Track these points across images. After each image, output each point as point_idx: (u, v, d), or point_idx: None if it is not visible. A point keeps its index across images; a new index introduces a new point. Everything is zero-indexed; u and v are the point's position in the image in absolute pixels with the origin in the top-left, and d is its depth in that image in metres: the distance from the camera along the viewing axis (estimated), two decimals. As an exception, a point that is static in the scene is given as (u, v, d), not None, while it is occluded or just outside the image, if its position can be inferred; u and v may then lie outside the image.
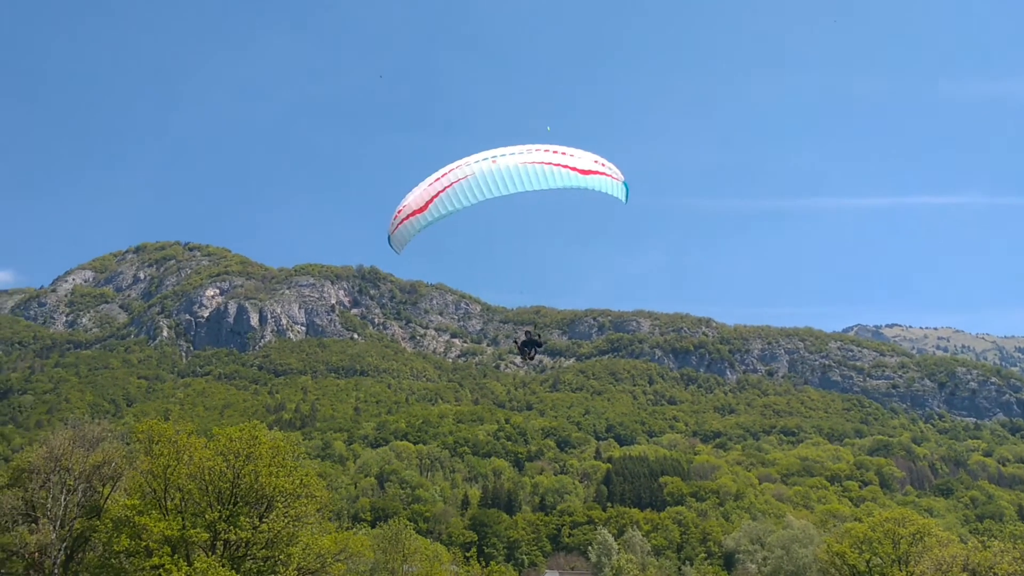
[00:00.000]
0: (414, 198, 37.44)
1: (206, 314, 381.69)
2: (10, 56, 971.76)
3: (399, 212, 37.78)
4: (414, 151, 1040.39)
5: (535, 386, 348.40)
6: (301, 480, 61.86)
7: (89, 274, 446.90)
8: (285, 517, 58.82)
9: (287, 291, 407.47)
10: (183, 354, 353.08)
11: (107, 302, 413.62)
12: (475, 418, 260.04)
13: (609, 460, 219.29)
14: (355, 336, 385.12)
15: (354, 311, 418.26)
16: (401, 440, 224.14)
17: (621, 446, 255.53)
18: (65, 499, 63.04)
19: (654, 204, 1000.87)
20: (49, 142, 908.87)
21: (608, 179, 38.46)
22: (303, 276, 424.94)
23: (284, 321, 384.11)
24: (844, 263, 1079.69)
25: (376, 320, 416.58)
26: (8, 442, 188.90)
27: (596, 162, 38.39)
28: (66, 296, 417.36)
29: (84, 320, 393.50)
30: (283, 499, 60.38)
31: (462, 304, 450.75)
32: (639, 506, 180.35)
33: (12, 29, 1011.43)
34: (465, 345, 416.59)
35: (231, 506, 59.22)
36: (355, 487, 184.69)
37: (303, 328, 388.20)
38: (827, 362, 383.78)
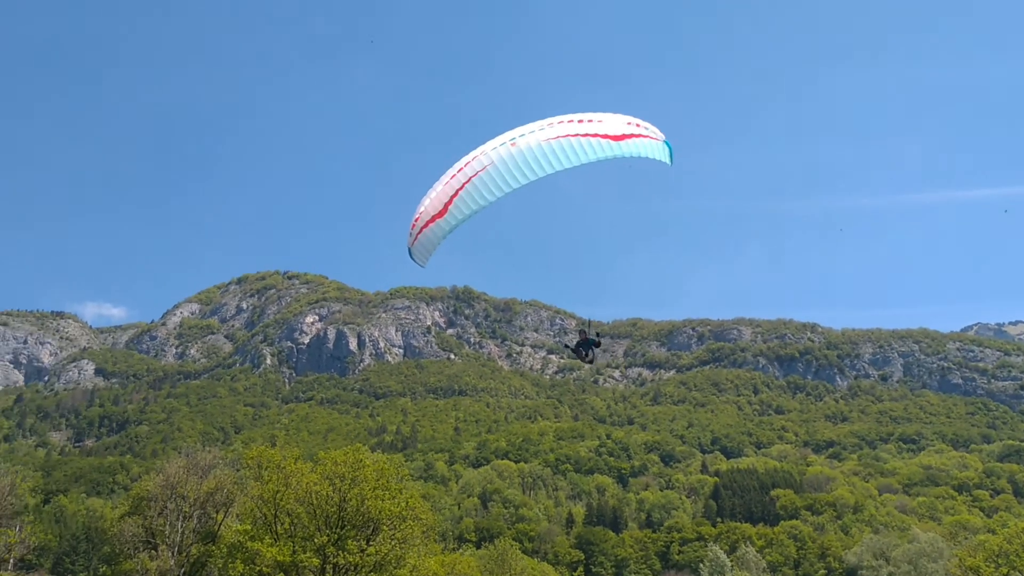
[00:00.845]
0: (431, 201, 33.52)
1: (307, 340, 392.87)
2: (116, 100, 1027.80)
3: (416, 219, 33.72)
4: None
5: (635, 400, 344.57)
6: (406, 502, 62.41)
7: (195, 307, 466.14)
8: (392, 540, 59.34)
9: (384, 314, 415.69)
10: (286, 380, 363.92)
11: (213, 333, 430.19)
12: (576, 434, 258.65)
13: (716, 474, 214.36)
14: (452, 356, 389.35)
15: (450, 331, 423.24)
16: (502, 459, 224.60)
17: (728, 459, 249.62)
18: (182, 526, 65.44)
19: (749, 207, 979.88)
20: (156, 180, 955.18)
21: (646, 140, 33.97)
22: (398, 299, 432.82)
23: (382, 344, 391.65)
24: (957, 259, 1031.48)
25: (472, 339, 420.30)
26: (127, 471, 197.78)
27: (629, 124, 33.85)
28: (175, 329, 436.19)
29: (192, 351, 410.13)
30: (389, 522, 61.00)
31: (557, 320, 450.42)
32: (750, 521, 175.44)
33: (120, 76, 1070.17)
34: (562, 361, 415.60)
35: (339, 530, 60.21)
36: (458, 507, 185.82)
37: (400, 350, 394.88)
38: (946, 364, 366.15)
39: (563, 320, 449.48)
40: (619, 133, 33.48)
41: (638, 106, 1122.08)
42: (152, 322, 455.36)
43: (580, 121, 33.30)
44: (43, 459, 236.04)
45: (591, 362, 42.08)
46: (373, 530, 60.64)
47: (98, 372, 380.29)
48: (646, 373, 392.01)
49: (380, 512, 59.91)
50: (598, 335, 42.22)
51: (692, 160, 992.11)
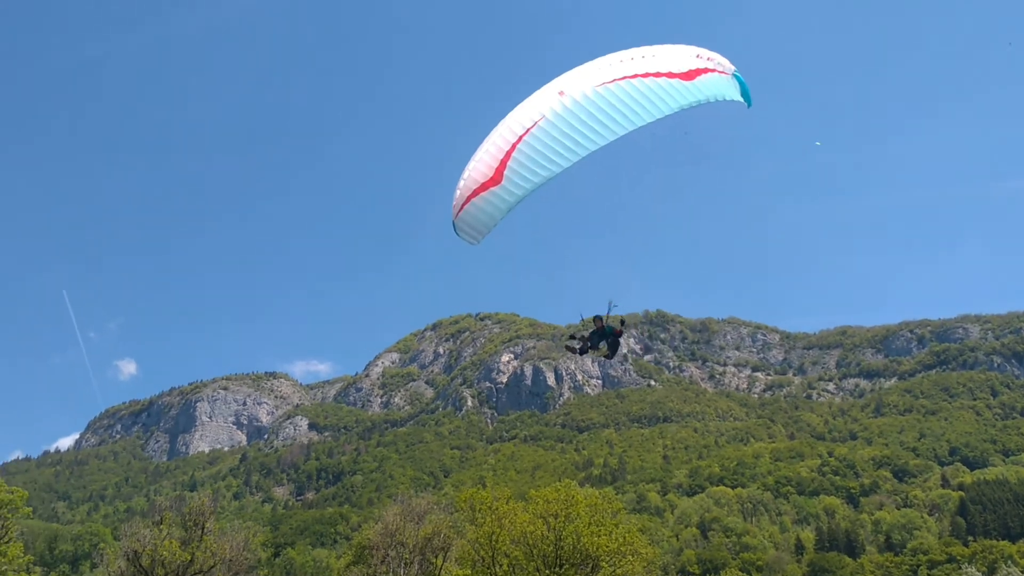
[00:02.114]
0: (476, 163, 27.71)
1: (504, 379, 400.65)
2: (304, 162, 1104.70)
3: (461, 185, 27.94)
4: (688, 183, 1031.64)
5: (855, 412, 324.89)
6: (623, 537, 61.23)
7: (395, 356, 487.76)
8: (613, 576, 58.33)
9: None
10: (488, 421, 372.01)
11: (414, 380, 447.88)
12: (794, 454, 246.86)
13: (960, 487, 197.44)
14: (652, 383, 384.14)
15: (647, 357, 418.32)
16: (717, 485, 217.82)
17: (972, 470, 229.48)
18: (404, 572, 67.34)
19: (965, 191, 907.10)
20: (347, 241, 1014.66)
21: (717, 76, 27.93)
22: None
23: (579, 377, 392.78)
24: None
25: (671, 364, 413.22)
26: (347, 521, 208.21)
27: (698, 57, 27.74)
28: (378, 379, 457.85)
29: (396, 399, 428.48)
30: (608, 558, 60.03)
31: (759, 335, 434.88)
32: (1008, 537, 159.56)
33: (309, 142, 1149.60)
34: (769, 378, 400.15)
35: (557, 569, 59.84)
36: (676, 539, 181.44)
37: (599, 381, 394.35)
38: None
39: (765, 335, 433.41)
40: (686, 69, 27.37)
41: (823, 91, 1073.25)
42: (356, 374, 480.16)
43: (633, 59, 27.19)
44: (270, 514, 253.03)
45: (609, 356, 33.94)
46: (592, 567, 59.90)
47: (311, 427, 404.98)
48: (863, 383, 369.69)
49: (598, 548, 59.15)
50: (623, 322, 32.89)
51: (883, 148, 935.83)
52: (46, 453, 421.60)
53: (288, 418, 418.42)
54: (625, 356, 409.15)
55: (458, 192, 27.93)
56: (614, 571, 59.92)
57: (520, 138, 27.06)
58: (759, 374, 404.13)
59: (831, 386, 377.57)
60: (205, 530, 73.08)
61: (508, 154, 27.18)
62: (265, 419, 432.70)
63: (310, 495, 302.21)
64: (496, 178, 27.33)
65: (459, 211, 28.11)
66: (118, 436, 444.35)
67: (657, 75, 27.03)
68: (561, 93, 27.04)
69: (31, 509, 76.29)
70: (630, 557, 59.85)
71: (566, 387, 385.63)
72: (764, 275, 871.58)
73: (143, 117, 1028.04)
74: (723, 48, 27.78)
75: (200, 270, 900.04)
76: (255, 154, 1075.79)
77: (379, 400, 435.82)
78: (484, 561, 60.45)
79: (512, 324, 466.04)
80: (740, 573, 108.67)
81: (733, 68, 28.33)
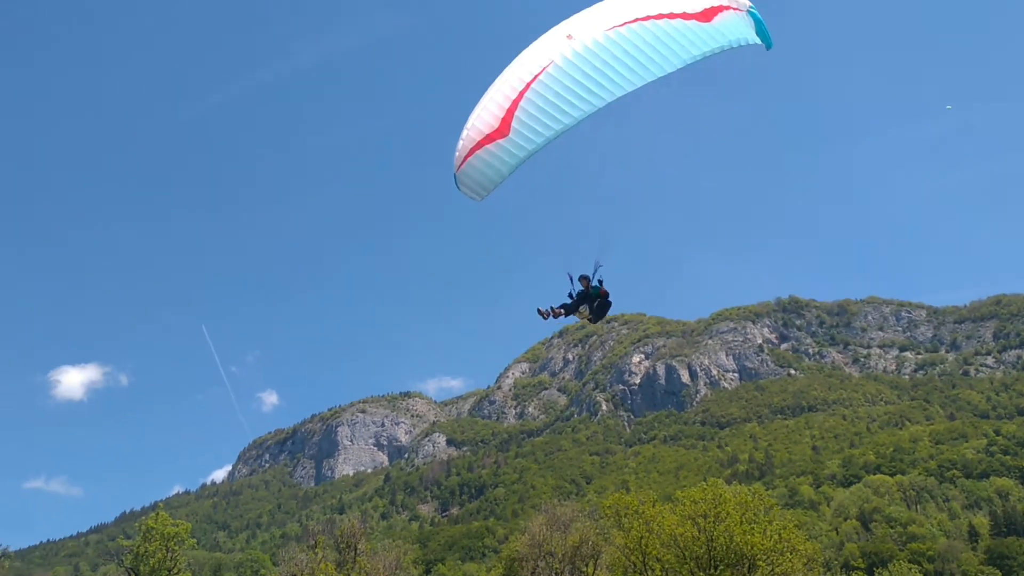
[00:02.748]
0: (479, 112, 25.59)
1: (637, 381, 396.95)
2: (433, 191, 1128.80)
3: (464, 135, 25.91)
4: (820, 170, 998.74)
5: (1020, 386, 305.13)
6: (778, 534, 59.57)
7: (525, 366, 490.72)
8: (772, 575, 56.78)
9: (710, 341, 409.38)
10: (625, 424, 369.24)
11: (546, 388, 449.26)
12: (956, 435, 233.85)
13: None
14: (791, 372, 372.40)
15: (783, 346, 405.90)
16: (873, 473, 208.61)
17: None
18: (555, 582, 67.48)
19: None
20: (468, 256, 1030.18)
21: (734, 15, 25.73)
22: (722, 323, 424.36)
23: (714, 372, 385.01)
24: None
25: (810, 350, 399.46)
26: (493, 534, 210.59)
27: None
28: (510, 391, 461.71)
29: (530, 409, 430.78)
30: (764, 556, 58.51)
31: (903, 313, 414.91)
32: None
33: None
34: (919, 357, 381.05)
35: (711, 571, 58.72)
36: (836, 532, 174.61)
37: (735, 375, 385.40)
38: None
39: (910, 312, 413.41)
40: (703, 8, 25.02)
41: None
42: (488, 387, 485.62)
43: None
44: (417, 531, 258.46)
45: (592, 320, 29.78)
46: (749, 567, 58.55)
47: (449, 443, 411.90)
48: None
49: (752, 547, 57.79)
50: (600, 282, 28.81)
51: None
52: (203, 486, 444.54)
53: (426, 436, 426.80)
54: (760, 346, 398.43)
55: (461, 143, 25.95)
56: (772, 570, 58.42)
57: (528, 85, 24.87)
58: (908, 353, 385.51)
59: (990, 360, 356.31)
60: (358, 551, 75.52)
61: (515, 103, 25.02)
62: (404, 438, 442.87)
63: (455, 510, 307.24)
64: (503, 129, 25.28)
65: (461, 164, 26.10)
66: (267, 465, 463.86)
67: (671, 16, 24.87)
68: (569, 37, 25.07)
69: (195, 540, 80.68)
70: (788, 554, 58.22)
71: (701, 383, 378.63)
72: (902, 250, 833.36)
73: (272, 158, 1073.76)
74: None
75: (328, 300, 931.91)
76: (376, 183, 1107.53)
77: (513, 411, 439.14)
78: (636, 567, 60.01)
79: (639, 324, 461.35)
80: (910, 565, 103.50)
81: (748, 4, 26.12)
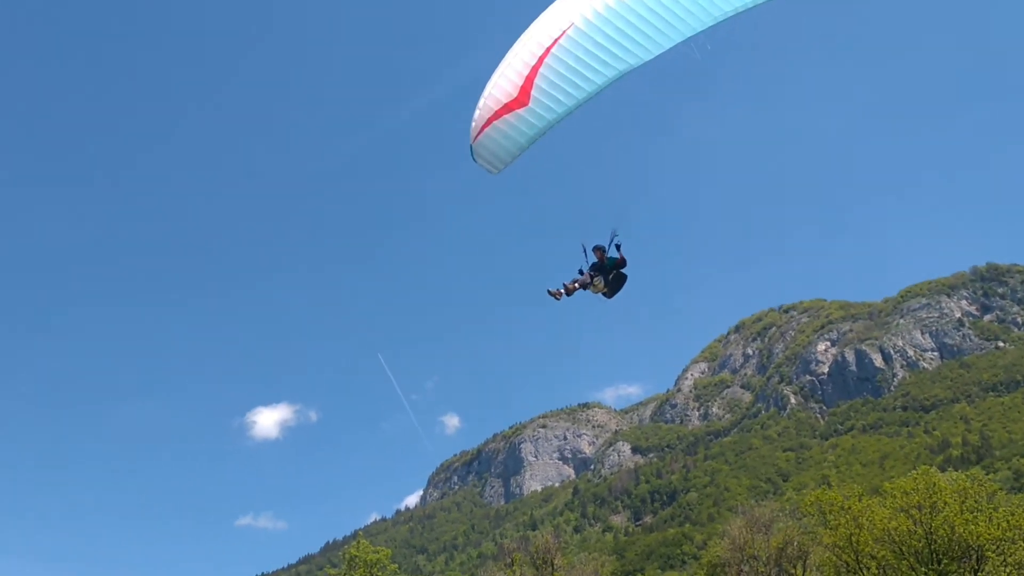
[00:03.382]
0: (496, 79, 24.35)
1: (825, 370, 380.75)
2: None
3: (481, 105, 24.65)
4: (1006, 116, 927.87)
5: None
6: (1007, 521, 55.46)
7: (703, 365, 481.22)
8: (1005, 566, 52.89)
9: (901, 320, 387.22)
10: (818, 416, 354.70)
11: (728, 386, 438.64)
12: None
13: None
14: (1000, 344, 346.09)
15: (987, 317, 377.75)
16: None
17: None
18: (762, 586, 65.47)
19: None
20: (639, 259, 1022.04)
21: None
22: (912, 300, 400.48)
23: (911, 352, 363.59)
24: None
25: (1018, 320, 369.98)
26: (691, 540, 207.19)
27: None
28: (691, 392, 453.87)
29: (714, 409, 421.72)
30: (994, 546, 54.62)
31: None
32: None
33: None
34: None
35: (934, 566, 55.39)
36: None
37: (935, 353, 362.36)
38: None
39: None
40: None
41: None
42: (668, 391, 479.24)
43: None
44: (612, 543, 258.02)
45: (608, 295, 27.77)
46: (977, 559, 54.87)
47: (634, 450, 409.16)
48: None
49: (978, 537, 54.10)
50: (618, 246, 26.90)
51: None
52: (398, 511, 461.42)
53: (610, 445, 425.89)
54: (960, 320, 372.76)
55: (478, 112, 24.69)
56: (1004, 560, 54.42)
57: (547, 50, 23.32)
58: None
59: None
60: (554, 566, 76.36)
61: (535, 69, 23.52)
62: (588, 450, 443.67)
63: (648, 519, 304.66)
64: (521, 98, 23.83)
65: (477, 135, 24.86)
66: (456, 487, 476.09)
67: None
68: None
69: (396, 565, 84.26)
70: (1022, 543, 54.10)
71: (897, 366, 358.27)
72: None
73: (436, 181, 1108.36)
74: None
75: (497, 320, 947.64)
76: (541, 195, 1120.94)
77: (696, 413, 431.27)
78: (849, 566, 57.47)
79: (820, 310, 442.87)
80: None
81: None
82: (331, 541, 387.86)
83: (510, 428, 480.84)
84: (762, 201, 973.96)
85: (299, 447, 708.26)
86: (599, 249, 27.04)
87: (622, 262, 27.17)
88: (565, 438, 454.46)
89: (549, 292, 27.36)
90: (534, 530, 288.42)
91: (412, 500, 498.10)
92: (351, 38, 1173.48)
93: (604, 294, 27.49)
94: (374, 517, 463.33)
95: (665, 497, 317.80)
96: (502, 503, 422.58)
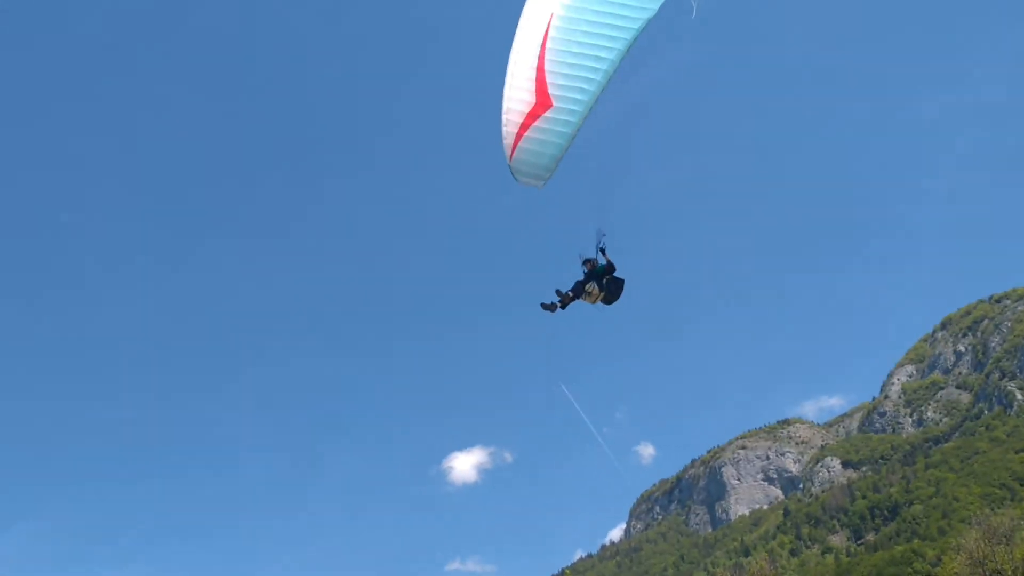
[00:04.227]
0: (512, 90, 23.30)
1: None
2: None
3: (505, 120, 23.47)
4: None
5: None
6: None
7: (910, 368, 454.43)
8: None
9: None
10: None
11: (941, 388, 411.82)
12: None
13: None
14: None
15: None
16: None
17: None
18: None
19: None
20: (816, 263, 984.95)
21: None
22: None
23: None
24: None
25: None
26: (922, 557, 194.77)
27: None
28: (900, 398, 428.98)
29: (929, 414, 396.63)
30: None
31: None
32: None
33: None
34: None
35: None
36: None
37: None
38: None
39: None
40: None
41: None
42: (874, 399, 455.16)
43: None
44: (834, 565, 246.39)
45: (608, 301, 25.74)
46: None
47: (845, 465, 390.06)
48: None
49: None
50: (603, 250, 25.44)
51: None
52: (603, 547, 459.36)
53: (817, 462, 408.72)
54: None
55: (505, 130, 23.52)
56: None
57: (543, 46, 22.32)
58: None
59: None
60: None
61: (541, 69, 22.44)
62: (793, 468, 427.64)
63: (870, 536, 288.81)
64: (543, 100, 22.49)
65: (512, 152, 23.63)
66: (659, 517, 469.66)
67: None
68: None
69: None
70: None
71: None
72: None
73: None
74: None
75: (683, 343, 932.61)
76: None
77: (909, 420, 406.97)
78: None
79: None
80: None
81: None
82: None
83: (708, 452, 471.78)
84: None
85: (498, 489, 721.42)
86: (589, 261, 25.87)
87: (611, 267, 25.89)
88: (768, 458, 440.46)
89: (543, 306, 26.09)
90: (747, 556, 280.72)
91: (615, 534, 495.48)
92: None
93: (603, 301, 25.97)
94: (580, 554, 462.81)
95: (886, 512, 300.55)
96: (709, 530, 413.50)
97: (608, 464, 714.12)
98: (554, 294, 25.94)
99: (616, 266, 25.59)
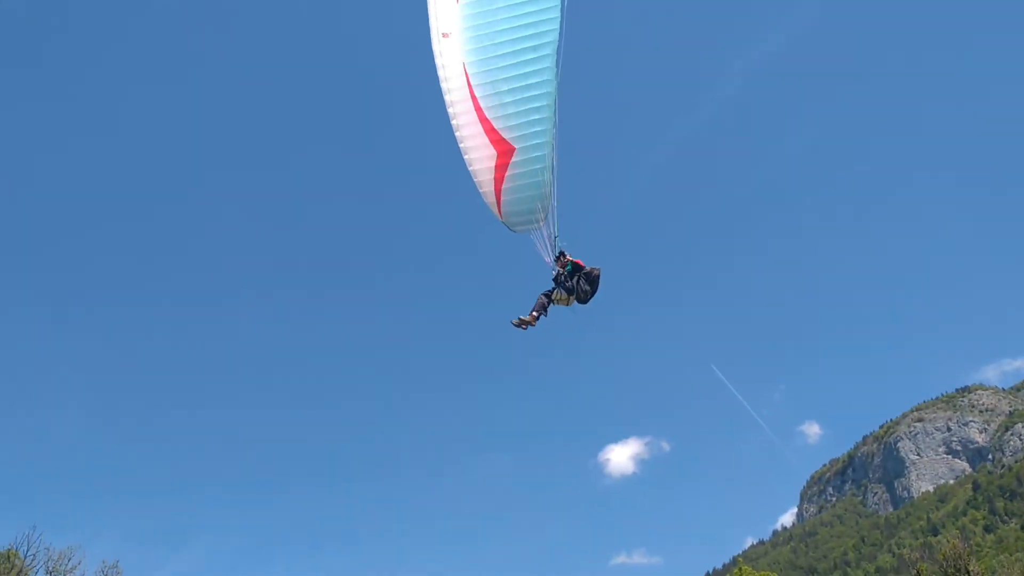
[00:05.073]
0: (467, 145, 23.13)
1: None
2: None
3: (480, 181, 23.46)
4: None
5: None
6: None
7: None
8: None
9: None
10: None
11: None
12: None
13: None
14: None
15: None
16: None
17: None
18: None
19: None
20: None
21: None
22: None
23: None
24: None
25: None
26: None
27: None
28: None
29: None
30: None
31: None
32: None
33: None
34: None
35: None
36: None
37: None
38: None
39: None
40: None
41: None
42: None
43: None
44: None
45: (583, 300, 24.53)
46: None
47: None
48: None
49: None
50: (561, 254, 24.71)
51: None
52: (775, 532, 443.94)
53: (1006, 430, 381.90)
54: None
55: (482, 191, 23.51)
56: None
57: (472, 92, 22.55)
58: None
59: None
60: (969, 573, 66.51)
61: (483, 116, 22.49)
62: (979, 438, 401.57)
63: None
64: (504, 148, 22.56)
65: (499, 208, 23.55)
66: (833, 499, 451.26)
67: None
68: (445, 35, 22.90)
69: None
70: None
71: None
72: None
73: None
74: None
75: (836, 312, 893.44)
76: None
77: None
78: None
79: None
80: None
81: None
82: (711, 571, 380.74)
83: (881, 427, 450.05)
84: None
85: (657, 479, 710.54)
86: (559, 258, 24.86)
87: (577, 266, 24.84)
88: (949, 429, 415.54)
89: (514, 323, 24.83)
90: (935, 535, 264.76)
91: (787, 519, 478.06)
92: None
93: (578, 301, 24.95)
94: (750, 541, 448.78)
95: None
96: (890, 510, 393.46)
97: (772, 447, 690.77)
98: (531, 311, 25.03)
99: (583, 262, 24.73)
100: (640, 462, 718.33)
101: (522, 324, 24.84)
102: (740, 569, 78.16)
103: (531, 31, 22.56)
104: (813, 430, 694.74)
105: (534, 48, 22.47)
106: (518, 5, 22.77)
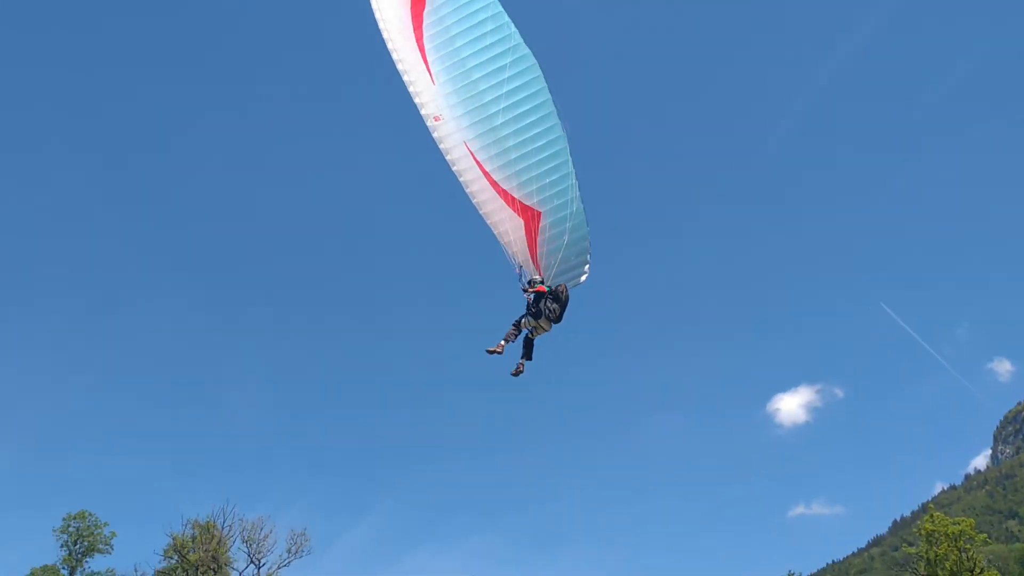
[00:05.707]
0: (497, 220, 23.63)
1: None
2: None
3: (516, 252, 23.96)
4: None
5: None
6: None
7: None
8: None
9: None
10: None
11: None
12: None
13: None
14: None
15: None
16: None
17: None
18: None
19: None
20: None
21: None
22: None
23: None
24: None
25: None
26: None
27: None
28: None
29: None
30: None
31: None
32: None
33: None
34: None
35: None
36: None
37: None
38: None
39: None
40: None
41: None
42: None
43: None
44: None
45: (553, 320, 23.71)
46: None
47: None
48: None
49: None
50: (530, 283, 24.25)
51: None
52: (967, 476, 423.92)
53: None
54: None
55: (517, 259, 24.17)
56: None
57: (478, 162, 23.08)
58: None
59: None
60: None
61: (496, 187, 23.25)
62: None
63: None
64: (530, 215, 23.16)
65: (540, 271, 24.01)
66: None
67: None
68: (437, 119, 23.35)
69: (984, 535, 75.57)
70: None
71: None
72: None
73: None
74: None
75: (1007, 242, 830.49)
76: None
77: None
78: None
79: None
80: None
81: None
82: (899, 519, 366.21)
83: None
84: None
85: (833, 427, 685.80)
86: (533, 283, 24.63)
87: (541, 290, 24.48)
88: None
89: (488, 352, 24.78)
90: None
91: (979, 462, 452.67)
92: None
93: (553, 321, 24.44)
94: (940, 487, 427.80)
95: None
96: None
97: (958, 387, 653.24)
98: (502, 337, 25.26)
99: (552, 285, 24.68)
100: (813, 410, 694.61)
101: (491, 352, 25.26)
102: (932, 515, 74.76)
103: (522, 94, 22.92)
104: (1004, 367, 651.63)
105: (533, 110, 23.05)
106: (495, 73, 22.91)
